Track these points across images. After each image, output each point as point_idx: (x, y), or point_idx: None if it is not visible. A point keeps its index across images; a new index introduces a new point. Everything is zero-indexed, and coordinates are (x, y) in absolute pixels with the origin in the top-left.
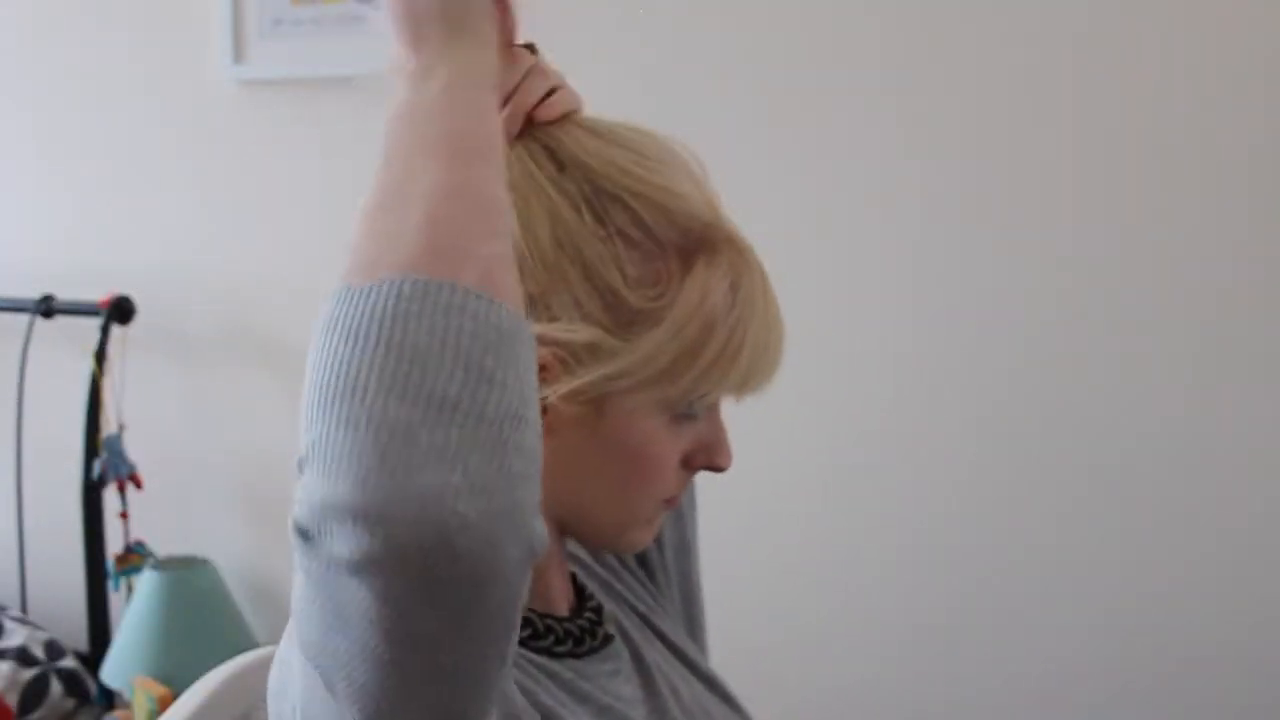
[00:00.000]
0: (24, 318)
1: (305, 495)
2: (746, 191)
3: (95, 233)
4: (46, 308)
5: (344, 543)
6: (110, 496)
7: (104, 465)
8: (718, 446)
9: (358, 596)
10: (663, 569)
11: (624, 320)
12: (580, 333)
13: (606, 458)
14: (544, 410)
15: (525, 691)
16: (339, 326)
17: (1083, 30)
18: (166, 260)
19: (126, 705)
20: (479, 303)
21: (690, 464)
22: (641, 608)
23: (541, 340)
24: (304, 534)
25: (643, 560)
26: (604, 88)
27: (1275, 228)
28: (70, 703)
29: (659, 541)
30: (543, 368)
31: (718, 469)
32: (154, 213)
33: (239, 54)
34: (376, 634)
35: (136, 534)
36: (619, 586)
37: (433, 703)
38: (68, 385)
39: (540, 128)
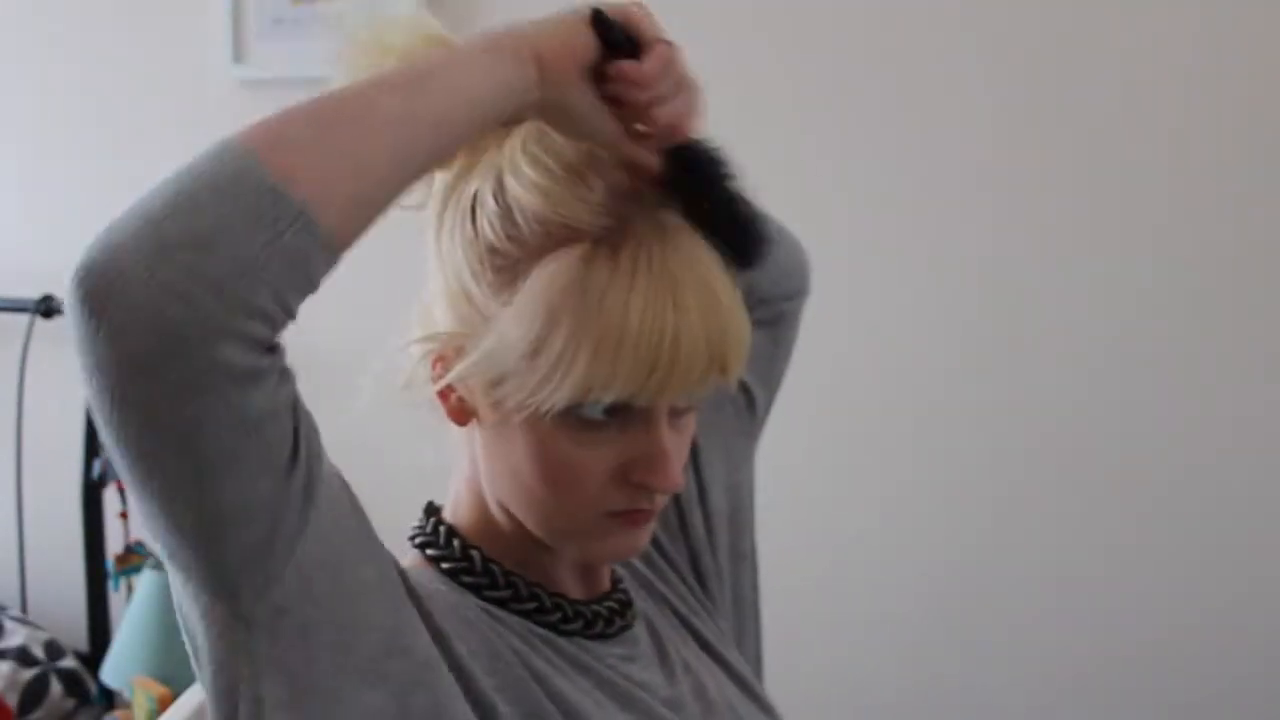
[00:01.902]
0: (24, 318)
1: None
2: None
3: (95, 233)
4: (46, 308)
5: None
6: (110, 496)
7: (104, 465)
8: (651, 462)
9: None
10: (716, 574)
11: (484, 318)
12: (455, 335)
13: (524, 461)
14: (467, 410)
15: (516, 651)
16: None
17: (1093, 28)
18: None
19: (126, 705)
20: (236, 156)
21: (628, 478)
22: (682, 609)
23: (426, 341)
24: None
25: (696, 566)
26: None
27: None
28: (70, 703)
29: (713, 545)
30: (434, 369)
31: (650, 487)
32: None
33: (239, 54)
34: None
35: (136, 534)
36: (661, 587)
37: (151, 501)
38: (68, 385)
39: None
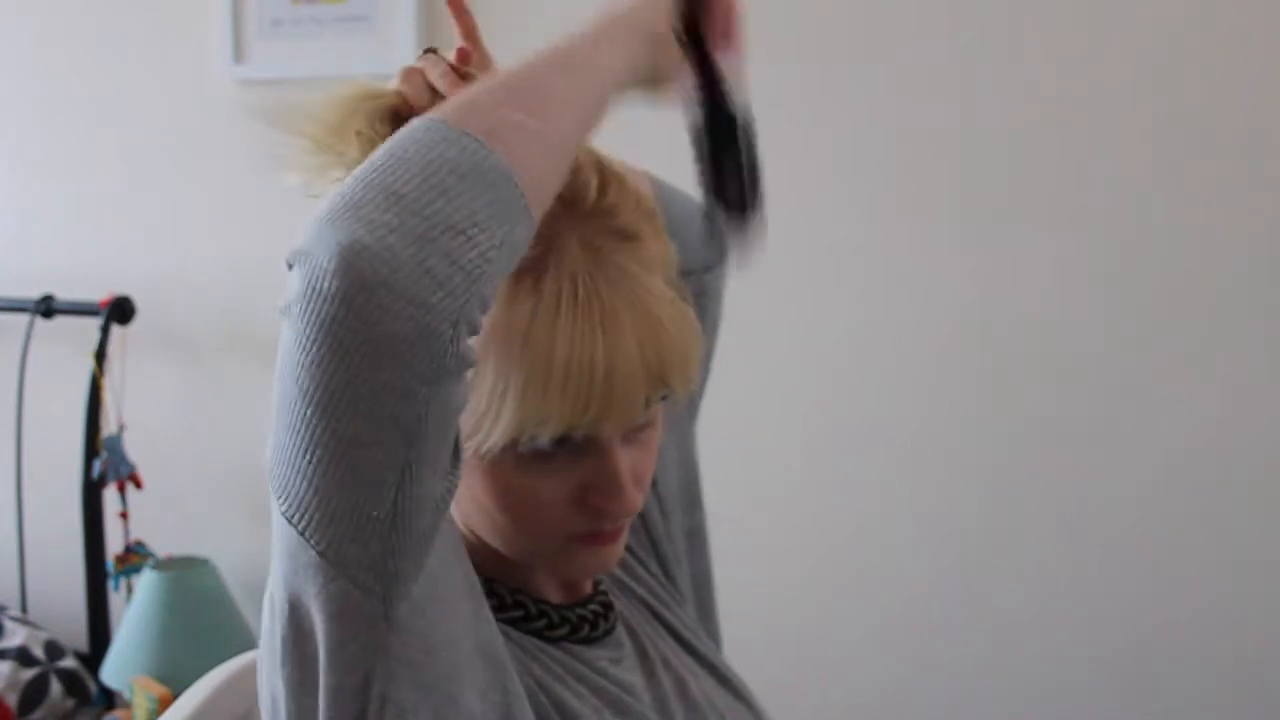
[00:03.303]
0: (24, 318)
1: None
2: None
3: (95, 233)
4: (46, 308)
5: (289, 286)
6: (110, 496)
7: (104, 465)
8: (604, 488)
9: (288, 341)
10: (675, 559)
11: None
12: None
13: (482, 492)
14: None
15: (518, 660)
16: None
17: (1090, 29)
18: (166, 260)
19: (126, 705)
20: (468, 141)
21: (586, 502)
22: (654, 603)
23: None
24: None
25: (657, 553)
26: None
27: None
28: (70, 703)
29: (669, 531)
30: None
31: (607, 512)
32: (154, 213)
33: (239, 54)
34: (294, 386)
35: (136, 534)
36: (632, 583)
37: (340, 493)
38: (68, 385)
39: None
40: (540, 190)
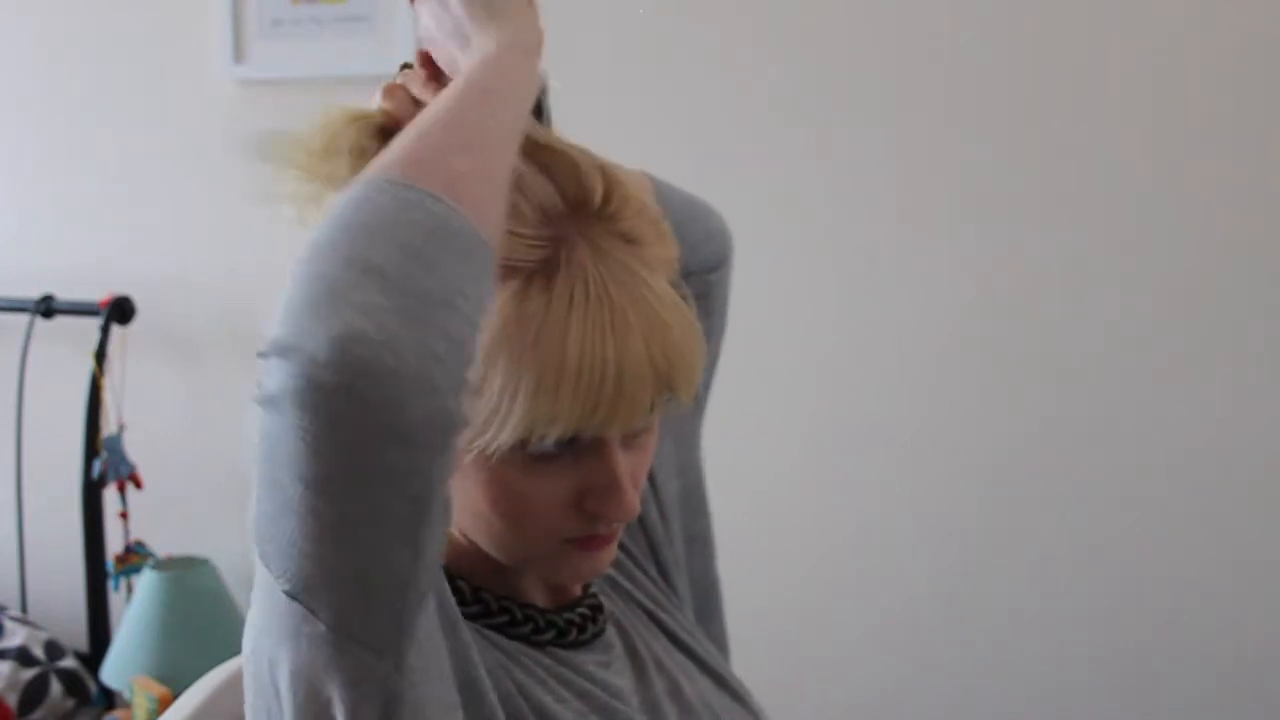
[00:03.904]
0: (24, 318)
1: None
2: (741, 193)
3: (95, 233)
4: (46, 308)
5: (271, 378)
6: (110, 496)
7: (104, 465)
8: (604, 491)
9: (277, 432)
10: (675, 564)
11: None
12: None
13: (479, 496)
14: None
15: (502, 666)
16: (330, 212)
17: (1086, 31)
18: (166, 260)
19: (126, 705)
20: (429, 201)
21: (583, 506)
22: (649, 604)
23: None
24: (259, 387)
25: (656, 557)
26: (604, 86)
27: None
28: (70, 703)
29: (669, 535)
30: None
31: (606, 516)
32: (154, 213)
33: (239, 54)
34: (290, 474)
35: (136, 534)
36: (626, 584)
37: (351, 570)
38: (68, 385)
39: None
40: (497, 230)
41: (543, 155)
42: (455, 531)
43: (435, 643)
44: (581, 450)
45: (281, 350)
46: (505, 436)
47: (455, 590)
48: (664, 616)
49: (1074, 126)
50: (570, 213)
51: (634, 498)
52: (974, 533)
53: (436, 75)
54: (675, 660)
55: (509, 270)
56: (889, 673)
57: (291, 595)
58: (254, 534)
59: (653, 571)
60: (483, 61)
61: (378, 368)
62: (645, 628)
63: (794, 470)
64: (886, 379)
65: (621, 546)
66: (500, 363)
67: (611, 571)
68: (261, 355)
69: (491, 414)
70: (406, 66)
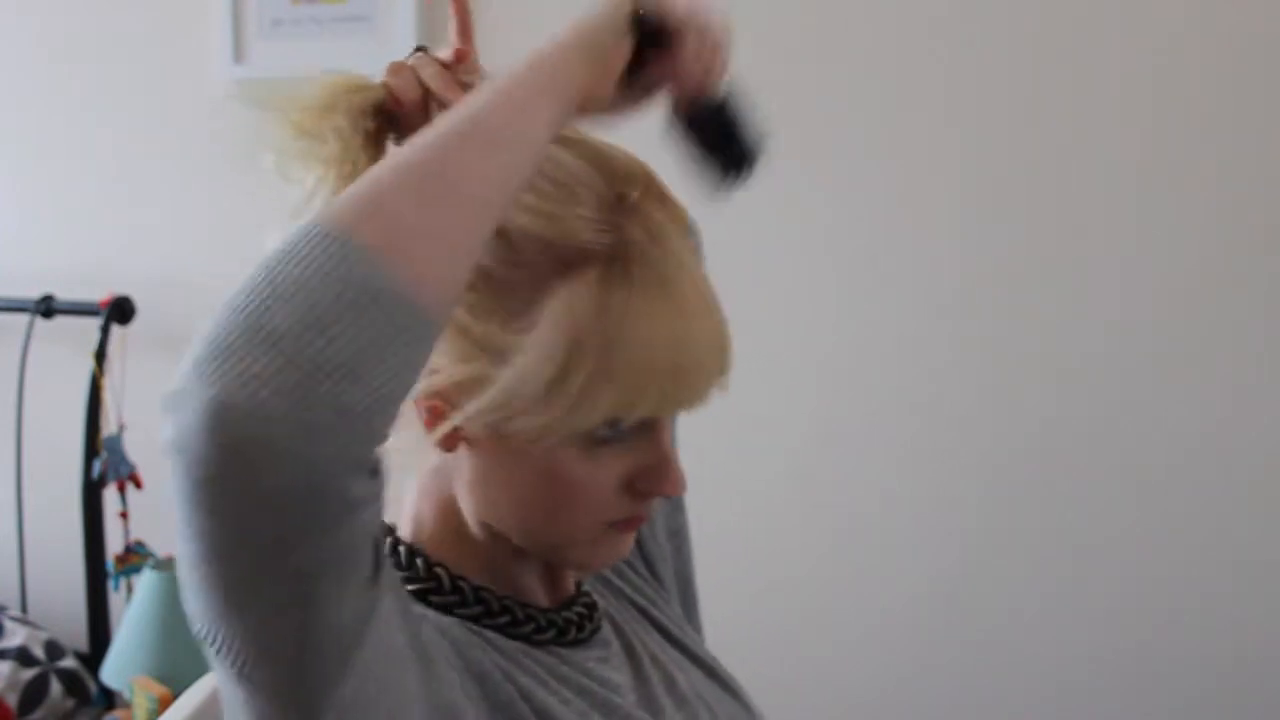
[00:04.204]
0: (24, 318)
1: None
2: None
3: (95, 233)
4: (46, 308)
5: (165, 429)
6: (110, 496)
7: (104, 465)
8: (660, 472)
9: (175, 480)
10: (661, 558)
11: (498, 352)
12: (458, 371)
13: (525, 483)
14: (460, 437)
15: (500, 669)
16: (271, 249)
17: (1086, 30)
18: (166, 260)
19: (126, 705)
20: (357, 258)
21: (634, 488)
22: (641, 601)
23: (422, 395)
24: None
25: (643, 552)
26: None
27: None
28: (70, 703)
29: (654, 529)
30: (431, 411)
31: (659, 494)
32: (154, 213)
33: (239, 54)
34: (182, 524)
35: (136, 534)
36: (618, 582)
37: (241, 625)
38: (68, 385)
39: None
40: (453, 289)
41: (579, 144)
42: (473, 526)
43: (397, 687)
44: (636, 432)
45: (171, 400)
46: (586, 422)
47: (456, 590)
48: (655, 612)
49: (1074, 125)
50: (622, 197)
51: (683, 474)
52: (973, 532)
53: (457, 71)
54: (668, 654)
55: (580, 254)
56: (888, 672)
57: (198, 634)
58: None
59: (641, 568)
60: (509, 77)
61: (241, 438)
62: (638, 623)
63: (792, 469)
64: (885, 378)
65: None
66: (588, 351)
67: (606, 571)
68: (162, 405)
69: (576, 400)
70: (421, 49)
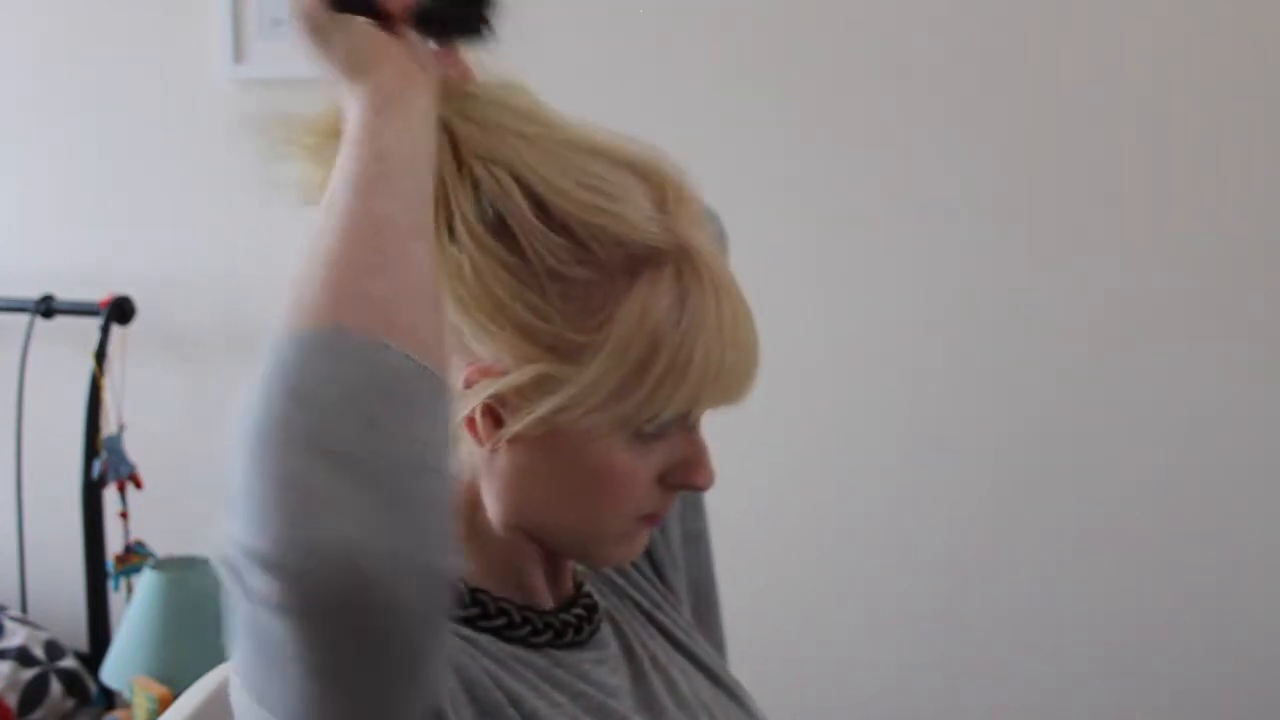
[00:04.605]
0: (24, 318)
1: (228, 536)
2: (737, 189)
3: (95, 233)
4: (46, 308)
5: (260, 585)
6: (110, 496)
7: (104, 465)
8: (695, 465)
9: (278, 634)
10: (671, 564)
11: (568, 351)
12: (525, 373)
13: (568, 477)
14: (492, 430)
15: (490, 675)
16: (262, 377)
17: (1090, 25)
18: (166, 260)
19: (126, 705)
20: (364, 348)
21: (667, 482)
22: (645, 604)
23: (488, 400)
24: (231, 571)
25: (651, 556)
26: (604, 87)
27: None
28: (70, 703)
29: (666, 535)
30: (491, 414)
31: (695, 488)
32: (154, 213)
33: (239, 54)
34: (298, 668)
35: (136, 534)
36: (622, 583)
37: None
38: (68, 385)
39: (482, 142)
40: (435, 335)
41: (612, 152)
42: (496, 524)
43: None
44: (675, 425)
45: (266, 565)
46: (658, 418)
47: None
48: (660, 616)
49: (1073, 122)
50: (663, 195)
51: (713, 469)
52: (972, 531)
53: (457, 79)
54: (672, 659)
55: (652, 254)
56: (887, 672)
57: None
58: (242, 677)
59: (648, 571)
60: (358, 135)
61: (377, 576)
62: (642, 627)
63: (791, 468)
64: (884, 376)
65: None
66: (665, 347)
67: (608, 571)
68: (237, 558)
69: (650, 397)
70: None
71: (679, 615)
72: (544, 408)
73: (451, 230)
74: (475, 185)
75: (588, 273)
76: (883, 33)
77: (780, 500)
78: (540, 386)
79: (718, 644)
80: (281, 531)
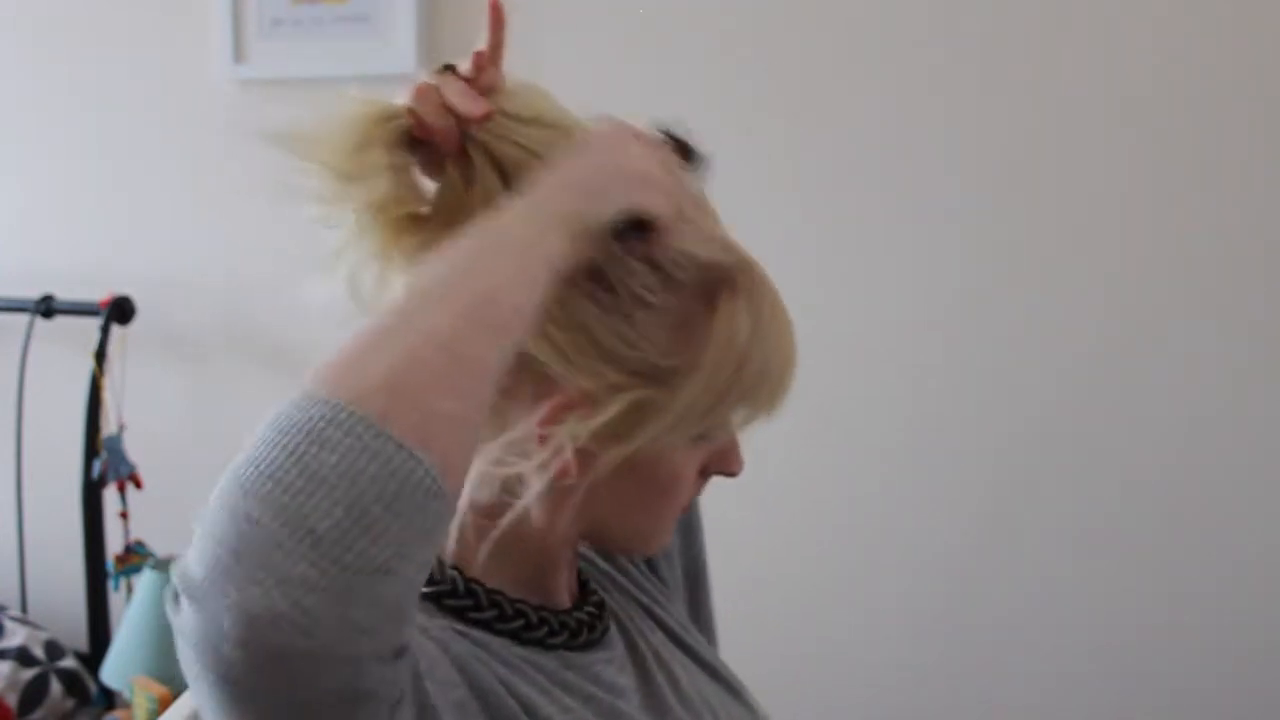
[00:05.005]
0: (24, 318)
1: (187, 553)
2: (735, 187)
3: (95, 233)
4: (46, 308)
5: (183, 614)
6: (110, 496)
7: (104, 465)
8: (732, 454)
9: (191, 665)
10: (665, 555)
11: (660, 378)
12: (619, 402)
13: (642, 486)
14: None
15: (503, 682)
16: (279, 422)
17: (1089, 24)
18: (166, 260)
19: (126, 705)
20: (398, 452)
21: (705, 472)
22: (644, 599)
23: (580, 437)
24: (169, 586)
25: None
26: (603, 87)
27: None
28: (70, 703)
29: None
30: (581, 455)
31: (731, 474)
32: (154, 213)
33: (239, 54)
34: (208, 701)
35: (136, 534)
36: (622, 579)
37: None
38: (68, 385)
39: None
40: (461, 469)
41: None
42: (530, 531)
43: None
44: None
45: (192, 595)
46: (731, 426)
47: (470, 595)
48: (659, 611)
49: (1073, 122)
50: (702, 210)
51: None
52: (972, 531)
53: (482, 82)
54: (673, 655)
55: (725, 273)
56: (886, 671)
57: None
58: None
59: (643, 566)
60: (503, 259)
61: (287, 648)
62: (643, 622)
63: (791, 467)
64: (884, 376)
65: None
66: (751, 364)
67: (608, 568)
68: (176, 580)
69: (729, 410)
70: (448, 68)
71: (675, 609)
72: (643, 435)
73: None
74: None
75: (675, 298)
76: (883, 33)
77: (780, 500)
78: (634, 413)
79: (710, 634)
80: (219, 569)
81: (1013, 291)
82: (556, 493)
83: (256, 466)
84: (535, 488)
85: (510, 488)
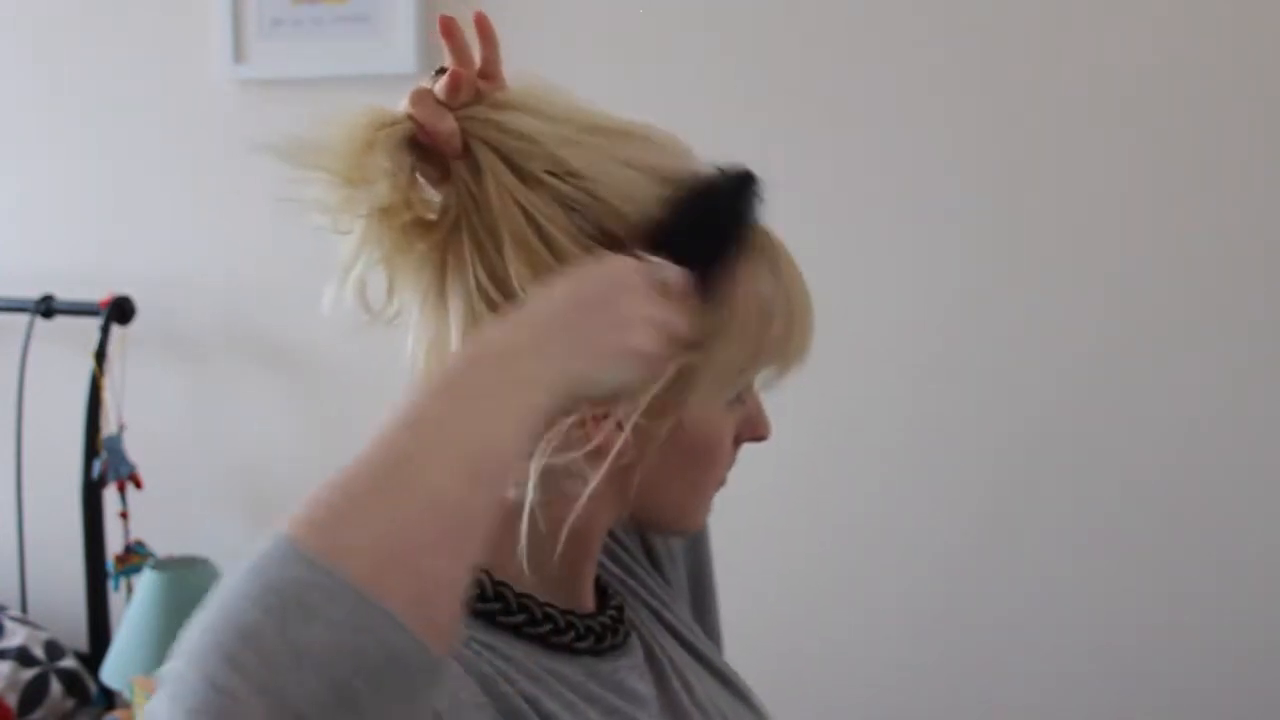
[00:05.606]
0: (24, 318)
1: (156, 700)
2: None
3: (95, 233)
4: (46, 308)
5: None
6: (110, 496)
7: (104, 465)
8: (760, 418)
9: None
10: (668, 556)
11: (697, 343)
12: (659, 382)
13: (683, 457)
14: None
15: (529, 700)
16: (259, 576)
17: (1089, 24)
18: (166, 260)
19: (126, 705)
20: (389, 627)
21: (738, 440)
22: (654, 603)
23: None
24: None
25: (648, 551)
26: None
27: None
28: (70, 703)
29: None
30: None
31: (761, 439)
32: (154, 213)
33: (239, 54)
34: None
35: (136, 534)
36: (632, 582)
37: None
38: (68, 385)
39: (538, 154)
40: (453, 632)
41: (650, 135)
42: (570, 527)
43: None
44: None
45: None
46: (767, 379)
47: (499, 598)
48: (668, 615)
49: (1073, 122)
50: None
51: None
52: (972, 531)
53: (484, 83)
54: (685, 660)
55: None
56: (886, 671)
57: None
58: None
59: (648, 567)
60: (503, 406)
61: None
62: (654, 627)
63: (791, 467)
64: (884, 376)
65: (623, 547)
66: (774, 318)
67: (618, 570)
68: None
69: (761, 365)
70: (442, 71)
71: (681, 611)
72: (689, 402)
73: (550, 246)
74: (560, 200)
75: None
76: (883, 33)
77: (780, 499)
78: (678, 381)
79: (715, 636)
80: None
81: (1013, 291)
82: (613, 474)
83: (238, 631)
84: (599, 471)
85: (551, 482)
